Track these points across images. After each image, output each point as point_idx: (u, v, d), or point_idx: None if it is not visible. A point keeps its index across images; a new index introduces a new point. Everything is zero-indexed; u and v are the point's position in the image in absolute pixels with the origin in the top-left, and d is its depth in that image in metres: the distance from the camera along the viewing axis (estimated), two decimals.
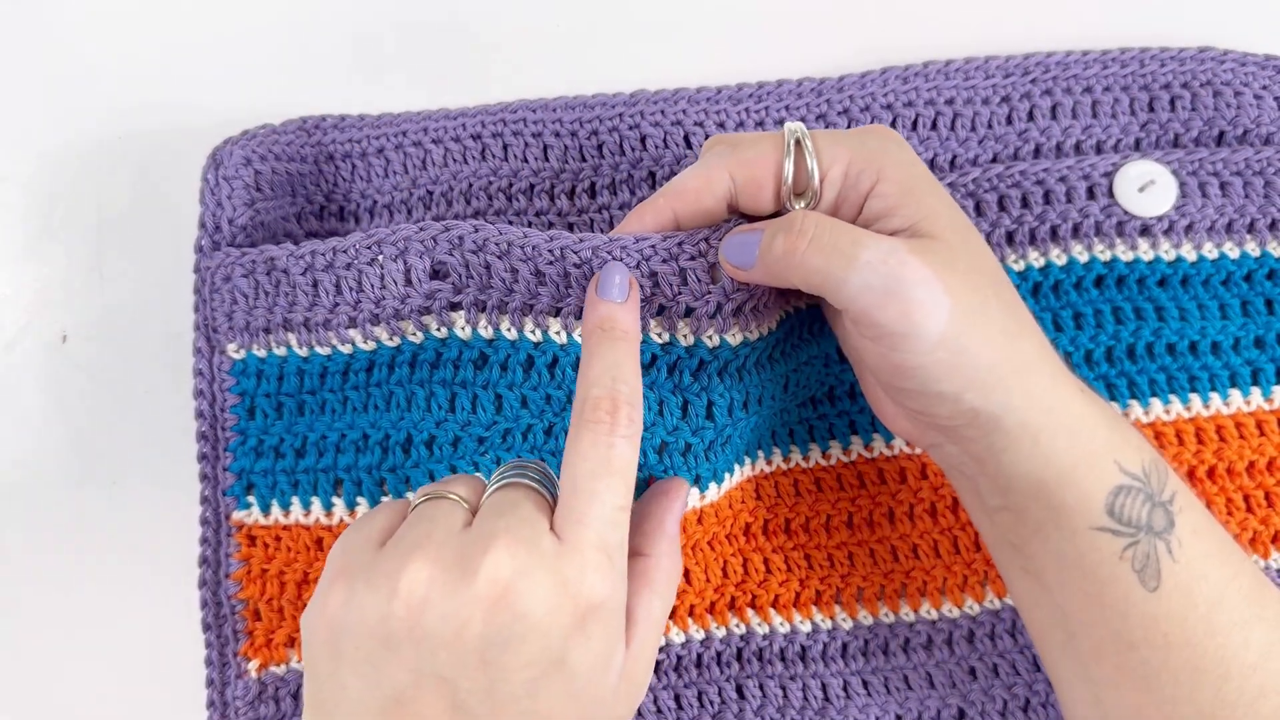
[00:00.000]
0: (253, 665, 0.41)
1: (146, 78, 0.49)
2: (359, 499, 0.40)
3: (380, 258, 0.37)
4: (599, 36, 0.49)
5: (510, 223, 0.45)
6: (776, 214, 0.35)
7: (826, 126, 0.45)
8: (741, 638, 0.41)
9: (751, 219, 0.36)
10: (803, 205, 0.34)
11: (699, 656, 0.41)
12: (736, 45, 0.48)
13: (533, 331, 0.38)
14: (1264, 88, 0.45)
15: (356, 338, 0.39)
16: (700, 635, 0.41)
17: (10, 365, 0.47)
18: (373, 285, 0.38)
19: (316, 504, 0.41)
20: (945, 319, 0.31)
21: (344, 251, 0.38)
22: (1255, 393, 0.42)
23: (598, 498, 0.30)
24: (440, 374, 0.39)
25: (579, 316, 0.36)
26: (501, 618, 0.28)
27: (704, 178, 0.35)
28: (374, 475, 0.40)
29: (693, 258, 0.35)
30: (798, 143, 0.34)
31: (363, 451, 0.40)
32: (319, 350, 0.40)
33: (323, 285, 0.38)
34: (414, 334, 0.38)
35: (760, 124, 0.45)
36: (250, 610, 0.42)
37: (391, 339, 0.39)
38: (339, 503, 0.41)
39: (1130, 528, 0.32)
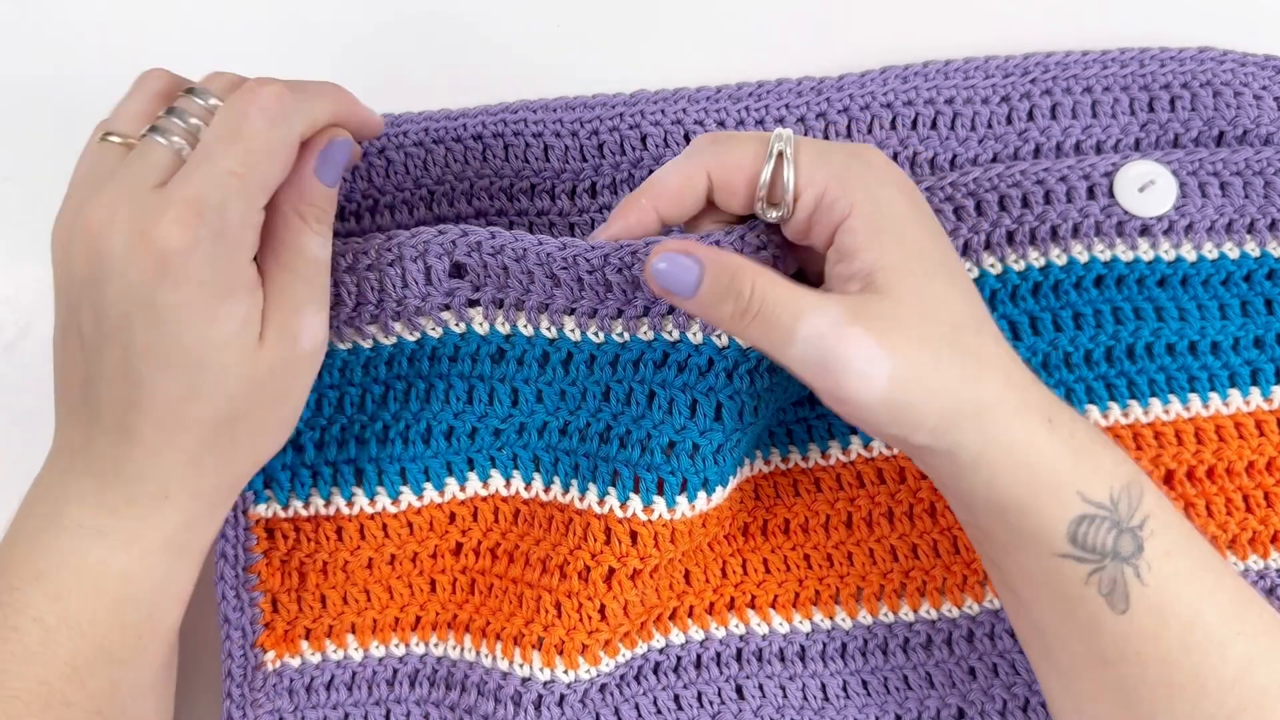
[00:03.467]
0: (270, 656, 0.41)
1: None
2: (379, 489, 0.41)
3: (402, 258, 0.38)
4: (599, 36, 0.49)
5: (511, 223, 0.45)
6: (747, 217, 0.36)
7: (826, 126, 0.45)
8: (741, 638, 0.41)
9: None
10: (776, 215, 0.35)
11: (698, 657, 0.41)
12: (736, 45, 0.48)
13: (548, 329, 0.38)
14: (1264, 88, 0.45)
15: (377, 333, 0.39)
16: (700, 635, 0.41)
17: (10, 365, 0.47)
18: (394, 285, 0.38)
19: (337, 495, 0.41)
20: (883, 386, 0.31)
21: (365, 254, 0.38)
22: (1255, 393, 0.42)
23: (212, 158, 0.31)
24: (458, 367, 0.40)
25: (593, 315, 0.38)
26: (91, 262, 0.31)
27: (685, 175, 0.35)
28: (395, 465, 0.41)
29: None
30: (780, 154, 0.34)
31: (384, 443, 0.41)
32: (340, 346, 0.40)
33: (345, 287, 0.39)
34: (433, 329, 0.39)
35: (760, 123, 0.45)
36: (268, 601, 0.42)
37: (411, 334, 0.39)
38: (359, 492, 0.41)
39: (1095, 554, 0.32)
